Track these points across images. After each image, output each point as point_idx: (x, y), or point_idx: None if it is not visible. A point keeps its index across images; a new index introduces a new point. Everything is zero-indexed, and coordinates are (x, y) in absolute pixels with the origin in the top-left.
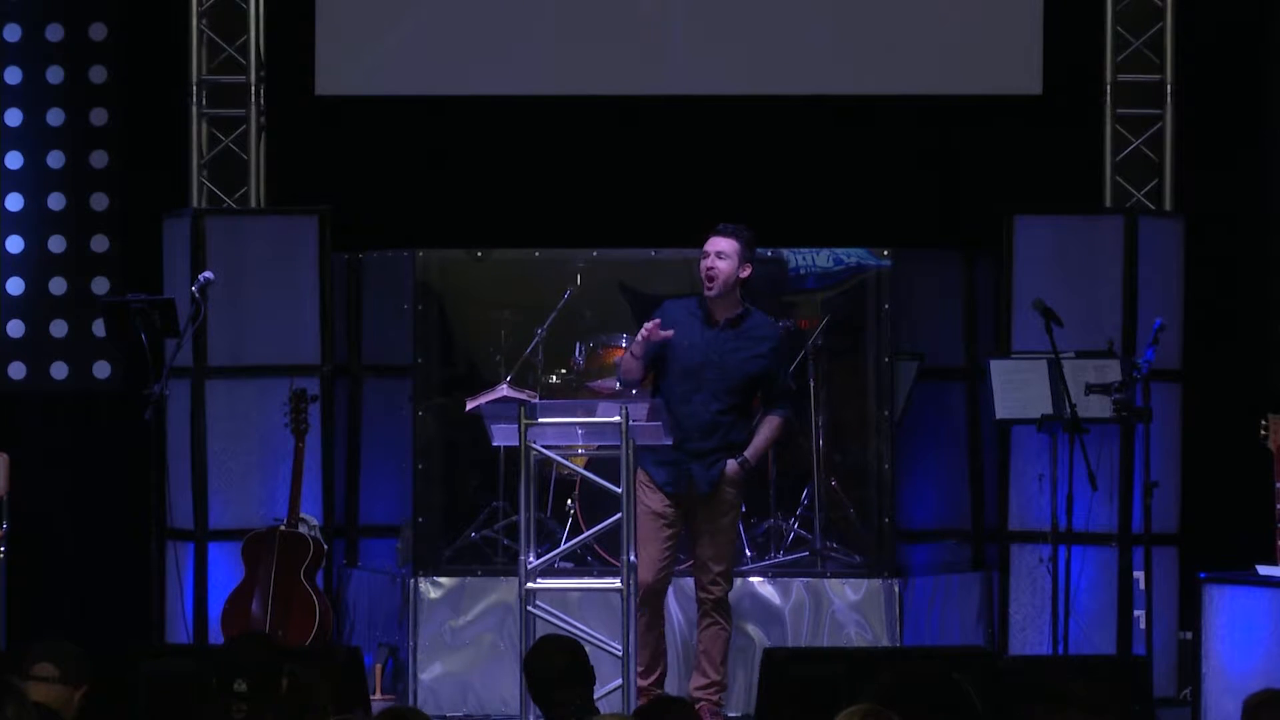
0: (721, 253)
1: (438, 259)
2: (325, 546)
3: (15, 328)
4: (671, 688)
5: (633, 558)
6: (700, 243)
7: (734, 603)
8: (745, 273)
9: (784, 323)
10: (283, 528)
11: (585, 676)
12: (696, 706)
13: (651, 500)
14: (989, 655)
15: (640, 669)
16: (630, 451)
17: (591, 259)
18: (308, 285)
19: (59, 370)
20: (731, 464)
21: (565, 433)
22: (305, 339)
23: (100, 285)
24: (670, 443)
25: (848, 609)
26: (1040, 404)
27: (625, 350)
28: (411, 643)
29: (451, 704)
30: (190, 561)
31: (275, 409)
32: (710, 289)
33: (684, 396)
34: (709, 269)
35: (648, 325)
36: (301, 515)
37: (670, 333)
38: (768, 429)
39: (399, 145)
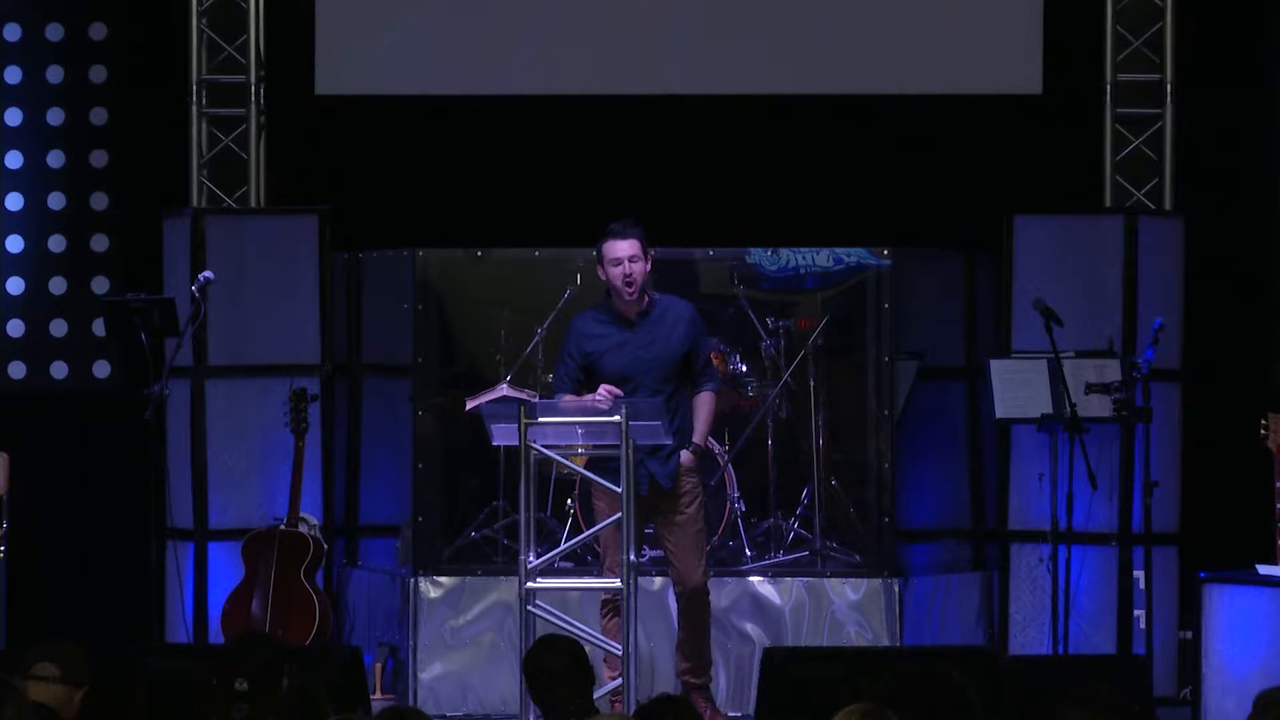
0: (634, 256)
1: (438, 259)
2: (325, 546)
3: (15, 327)
4: (669, 685)
5: (633, 557)
6: (701, 242)
7: (733, 602)
8: (649, 264)
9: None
10: (283, 527)
11: (585, 676)
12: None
13: (613, 508)
14: (989, 655)
15: (614, 671)
16: (630, 451)
17: (591, 259)
18: (308, 285)
19: (59, 370)
20: (685, 454)
21: (565, 432)
22: (305, 338)
23: (100, 285)
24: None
25: (848, 609)
26: (1040, 403)
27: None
28: (411, 642)
29: (451, 704)
30: (190, 561)
31: (275, 409)
32: (632, 293)
33: None
34: (627, 275)
35: (604, 394)
36: (301, 515)
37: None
38: (705, 407)
39: (399, 145)
